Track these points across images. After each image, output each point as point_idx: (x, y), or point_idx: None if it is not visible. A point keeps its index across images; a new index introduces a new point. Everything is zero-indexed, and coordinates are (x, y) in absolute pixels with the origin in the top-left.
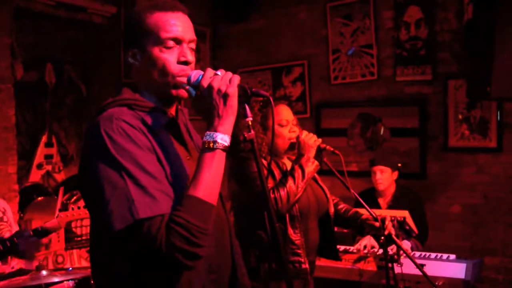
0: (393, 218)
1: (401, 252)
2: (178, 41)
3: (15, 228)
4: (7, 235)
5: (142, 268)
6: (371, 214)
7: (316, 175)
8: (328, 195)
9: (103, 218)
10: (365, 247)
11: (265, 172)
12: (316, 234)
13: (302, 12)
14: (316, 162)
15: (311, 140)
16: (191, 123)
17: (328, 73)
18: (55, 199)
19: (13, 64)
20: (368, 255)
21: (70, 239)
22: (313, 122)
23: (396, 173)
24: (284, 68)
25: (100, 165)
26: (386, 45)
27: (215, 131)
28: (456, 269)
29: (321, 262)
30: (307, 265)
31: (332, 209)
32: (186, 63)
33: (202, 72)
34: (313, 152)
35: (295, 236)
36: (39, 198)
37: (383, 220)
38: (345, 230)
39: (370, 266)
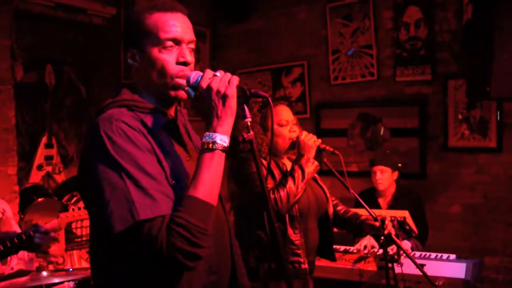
0: (393, 218)
1: (401, 252)
2: (177, 41)
3: (15, 229)
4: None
5: (142, 269)
6: (370, 214)
7: (316, 175)
8: (328, 196)
9: (103, 220)
10: (365, 247)
11: (265, 172)
12: (315, 235)
13: (302, 13)
14: (316, 163)
15: (311, 141)
16: (190, 124)
17: (328, 73)
18: (55, 200)
19: (13, 66)
20: (368, 255)
21: (70, 240)
22: (313, 123)
23: (396, 173)
24: (283, 69)
25: (99, 166)
26: (385, 46)
27: (214, 131)
28: (456, 269)
29: (321, 262)
30: (306, 265)
31: (331, 210)
32: (185, 63)
33: (201, 73)
34: (313, 153)
35: (294, 236)
36: (39, 199)
37: (383, 220)
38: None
39: (370, 266)
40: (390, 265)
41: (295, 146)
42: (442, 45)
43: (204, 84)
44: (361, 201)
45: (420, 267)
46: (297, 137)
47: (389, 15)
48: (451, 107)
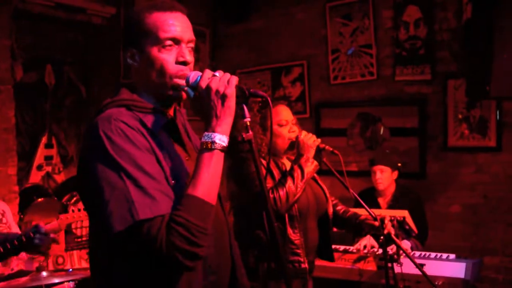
0: (392, 218)
1: (401, 251)
2: (176, 41)
3: (15, 229)
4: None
5: (141, 269)
6: (370, 213)
7: (315, 175)
8: (328, 195)
9: (103, 219)
10: (365, 247)
11: (264, 172)
12: (315, 234)
13: (301, 12)
14: (315, 162)
15: (310, 140)
16: (190, 123)
17: (328, 73)
18: (55, 200)
19: (12, 66)
20: (368, 255)
21: (70, 240)
22: (313, 122)
23: (396, 173)
24: (283, 69)
25: (99, 166)
26: (385, 45)
27: (213, 131)
28: (456, 269)
29: (321, 262)
30: (306, 265)
31: (330, 210)
32: (184, 63)
33: (200, 73)
34: (312, 152)
35: (294, 236)
36: (39, 200)
37: (382, 220)
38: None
39: (370, 266)
40: (389, 264)
41: (295, 146)
42: (441, 45)
43: (203, 84)
44: (360, 200)
45: (420, 266)
46: (297, 137)
47: (388, 15)
48: (450, 106)
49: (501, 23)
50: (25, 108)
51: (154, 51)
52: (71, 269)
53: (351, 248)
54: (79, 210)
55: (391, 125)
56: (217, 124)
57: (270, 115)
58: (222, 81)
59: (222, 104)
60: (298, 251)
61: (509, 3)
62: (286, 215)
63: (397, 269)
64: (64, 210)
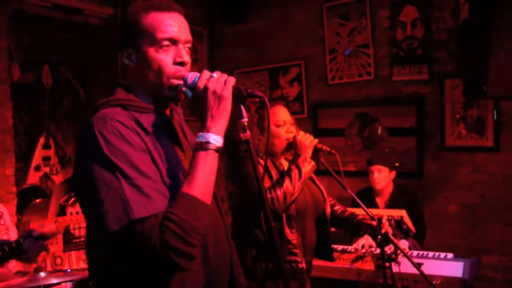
0: (390, 217)
1: (399, 251)
2: (174, 41)
3: (13, 231)
4: (4, 237)
5: (139, 269)
6: (368, 213)
7: (313, 175)
8: (325, 195)
9: (98, 219)
10: (363, 246)
11: (261, 172)
12: (313, 234)
13: (299, 13)
14: (312, 162)
15: (307, 141)
16: (186, 123)
17: (325, 73)
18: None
19: (10, 66)
20: (366, 254)
21: (68, 241)
22: (311, 122)
23: (393, 173)
24: (281, 69)
25: (94, 165)
26: (382, 45)
27: (208, 131)
28: (454, 268)
29: (319, 261)
30: (304, 265)
31: (328, 210)
32: (182, 64)
33: (198, 74)
34: (309, 152)
35: (291, 235)
36: (37, 200)
37: (379, 219)
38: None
39: (368, 265)
40: (387, 264)
41: (292, 146)
42: (438, 44)
43: (201, 85)
44: (358, 200)
45: (418, 266)
46: (294, 137)
47: (385, 14)
48: (448, 106)
49: (497, 23)
50: (23, 109)
51: (151, 51)
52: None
53: (349, 248)
54: (77, 213)
55: (389, 125)
56: (212, 124)
57: (267, 115)
58: (219, 82)
59: (218, 105)
60: (296, 251)
61: (505, 3)
62: (284, 215)
63: (395, 268)
64: (62, 210)
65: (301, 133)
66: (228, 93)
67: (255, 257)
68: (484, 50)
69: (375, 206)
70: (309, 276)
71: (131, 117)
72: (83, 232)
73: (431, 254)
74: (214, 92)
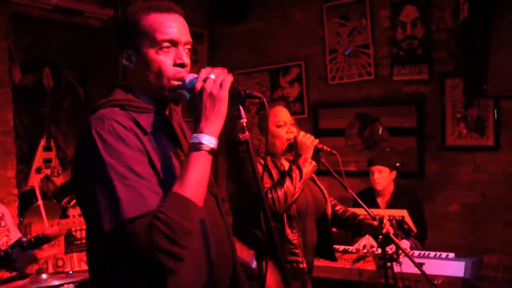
0: (391, 218)
1: (400, 251)
2: (174, 43)
3: (15, 232)
4: (4, 239)
5: (139, 268)
6: (369, 213)
7: (314, 175)
8: (326, 196)
9: (94, 220)
10: (364, 246)
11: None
12: (314, 235)
13: (299, 13)
14: (313, 163)
15: (308, 141)
16: (186, 124)
17: (325, 73)
18: (54, 203)
19: (11, 68)
20: (368, 254)
21: (70, 243)
22: (311, 123)
23: (394, 173)
24: (281, 69)
25: (90, 165)
26: (382, 45)
27: (201, 132)
28: (455, 268)
29: (320, 262)
30: (305, 265)
31: (329, 210)
32: (182, 65)
33: (196, 75)
34: (310, 153)
35: (292, 236)
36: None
37: (381, 219)
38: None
39: (370, 265)
40: (389, 264)
41: (293, 147)
42: (438, 44)
43: (198, 86)
44: (359, 200)
45: (419, 266)
46: (295, 137)
47: (385, 14)
48: (448, 106)
49: (497, 23)
50: (23, 111)
51: (152, 53)
52: (71, 272)
53: (351, 248)
54: (79, 215)
55: (389, 125)
56: (206, 125)
57: (266, 115)
58: (216, 83)
59: (213, 106)
60: (296, 251)
61: (505, 2)
62: (285, 215)
63: (396, 268)
64: (63, 212)
65: (302, 133)
66: (224, 95)
67: (256, 257)
68: (484, 49)
69: (376, 206)
70: (311, 276)
71: (129, 117)
72: (84, 234)
73: (432, 254)
74: (211, 93)
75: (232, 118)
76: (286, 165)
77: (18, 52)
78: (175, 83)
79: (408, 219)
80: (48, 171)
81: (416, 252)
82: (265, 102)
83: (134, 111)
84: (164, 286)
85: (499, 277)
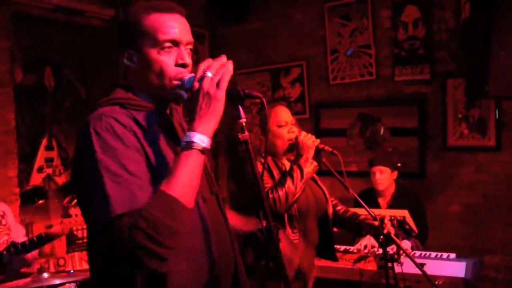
0: (392, 218)
1: (401, 251)
2: (175, 43)
3: (16, 231)
4: (5, 238)
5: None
6: (370, 213)
7: (315, 175)
8: (328, 196)
9: (88, 217)
10: (365, 246)
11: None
12: (315, 235)
13: (300, 13)
14: (314, 163)
15: (309, 141)
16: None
17: (327, 73)
18: (56, 202)
19: (12, 68)
20: (369, 254)
21: (72, 242)
22: (312, 123)
23: (395, 173)
24: (282, 69)
25: (87, 164)
26: (384, 45)
27: (194, 131)
28: (456, 268)
29: (321, 262)
30: (305, 265)
31: (330, 210)
32: (184, 65)
33: (193, 75)
34: (311, 153)
35: (293, 235)
36: (40, 201)
37: (382, 220)
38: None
39: (371, 265)
40: (390, 264)
41: (294, 147)
42: (440, 44)
43: (195, 85)
44: (360, 201)
45: (420, 266)
46: (296, 137)
47: (387, 14)
48: (450, 106)
49: (499, 23)
50: (25, 111)
51: (153, 53)
52: (72, 271)
53: (352, 248)
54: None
55: (391, 125)
56: (199, 124)
57: (265, 115)
58: (213, 82)
59: (209, 106)
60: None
61: (507, 2)
62: (286, 215)
63: (397, 268)
64: (65, 212)
65: (303, 133)
66: (220, 95)
67: (256, 256)
68: (486, 50)
69: (377, 206)
70: (311, 276)
71: (129, 115)
72: (86, 233)
73: (433, 254)
74: (207, 93)
75: (232, 118)
76: (287, 165)
77: (19, 52)
78: (177, 83)
79: (409, 220)
80: (49, 171)
81: (417, 253)
82: (264, 102)
83: (134, 109)
84: (164, 286)
85: (500, 277)
